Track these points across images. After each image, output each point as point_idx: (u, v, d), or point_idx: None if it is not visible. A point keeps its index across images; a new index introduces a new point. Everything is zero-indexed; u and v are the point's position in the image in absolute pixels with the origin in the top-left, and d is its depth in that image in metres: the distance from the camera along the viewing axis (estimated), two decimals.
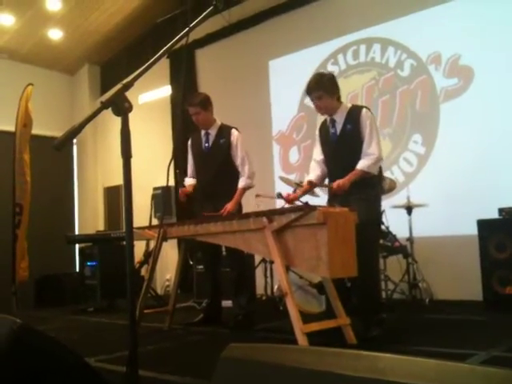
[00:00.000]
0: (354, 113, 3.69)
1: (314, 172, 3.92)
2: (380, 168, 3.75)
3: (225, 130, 4.45)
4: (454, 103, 5.51)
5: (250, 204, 4.77)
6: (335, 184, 3.52)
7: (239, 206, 4.40)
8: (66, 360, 1.63)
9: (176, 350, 3.63)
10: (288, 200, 3.88)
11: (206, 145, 4.47)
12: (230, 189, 4.33)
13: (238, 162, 4.36)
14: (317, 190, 4.83)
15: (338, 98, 3.77)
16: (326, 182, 3.94)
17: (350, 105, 3.82)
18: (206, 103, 4.42)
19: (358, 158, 3.62)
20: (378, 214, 3.80)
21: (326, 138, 3.84)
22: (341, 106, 3.75)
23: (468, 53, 5.44)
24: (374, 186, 3.70)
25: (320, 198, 4.62)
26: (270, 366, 0.90)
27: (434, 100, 5.67)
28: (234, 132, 4.43)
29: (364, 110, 3.68)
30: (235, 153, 4.37)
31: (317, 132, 3.98)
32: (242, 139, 4.42)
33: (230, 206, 4.21)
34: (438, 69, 5.66)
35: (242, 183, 4.32)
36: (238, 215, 3.86)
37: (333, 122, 3.76)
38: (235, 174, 4.38)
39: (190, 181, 4.62)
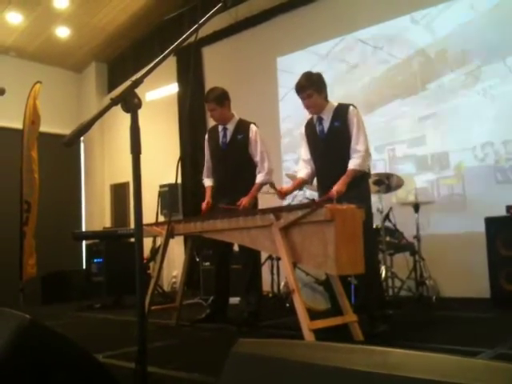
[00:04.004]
0: (341, 110, 3.76)
1: (304, 170, 3.97)
2: (368, 164, 3.81)
3: (243, 126, 4.38)
4: (463, 100, 5.49)
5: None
6: (335, 191, 3.52)
7: (255, 201, 4.36)
8: (75, 356, 1.64)
9: (183, 347, 3.64)
10: (281, 192, 3.87)
11: (224, 140, 4.40)
12: (246, 185, 4.27)
13: (258, 158, 4.29)
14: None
15: (326, 97, 3.83)
16: (314, 181, 4.02)
17: (336, 103, 3.85)
18: (221, 99, 4.33)
19: (345, 154, 3.68)
20: (370, 210, 3.81)
21: (314, 136, 3.89)
22: (328, 105, 3.81)
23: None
24: (363, 183, 3.77)
25: None
26: (280, 362, 0.90)
27: (444, 97, 5.65)
28: (253, 127, 4.36)
29: (351, 107, 3.76)
30: (254, 149, 4.30)
31: (302, 131, 4.01)
32: (260, 134, 4.36)
33: (246, 200, 4.16)
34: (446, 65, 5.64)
35: (260, 178, 4.27)
36: (244, 211, 3.85)
37: (320, 119, 3.82)
38: (252, 170, 4.33)
39: (208, 182, 4.56)
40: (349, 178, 3.60)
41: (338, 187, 3.54)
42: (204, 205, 4.46)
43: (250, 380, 0.94)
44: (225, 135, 4.40)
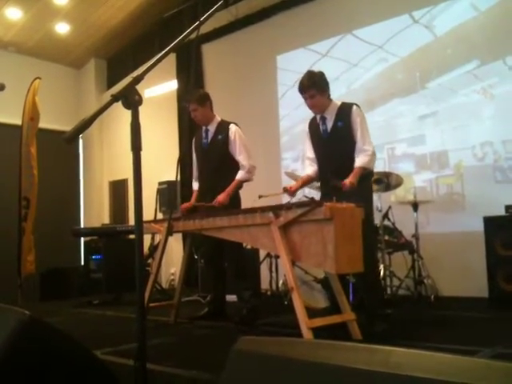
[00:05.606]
0: (345, 110, 3.75)
1: (310, 168, 3.97)
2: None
3: (223, 126, 4.43)
4: (462, 99, 5.49)
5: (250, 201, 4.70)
6: (348, 182, 3.51)
7: (236, 200, 4.38)
8: (74, 352, 1.64)
9: (182, 344, 3.64)
10: (290, 192, 3.86)
11: (205, 141, 4.46)
12: (228, 184, 4.31)
13: (237, 156, 4.34)
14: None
15: (328, 96, 3.83)
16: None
17: (339, 102, 3.84)
18: (202, 99, 4.40)
19: (348, 153, 3.67)
20: (371, 209, 3.81)
21: (317, 135, 3.88)
22: (331, 104, 3.81)
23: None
24: (366, 181, 3.77)
25: None
26: (282, 360, 0.90)
27: (444, 96, 5.66)
28: (232, 127, 4.40)
29: (354, 106, 3.75)
30: (234, 148, 4.34)
31: (306, 129, 4.01)
32: (240, 133, 4.39)
33: (221, 197, 4.20)
34: (445, 64, 5.64)
35: (239, 175, 4.31)
36: (243, 210, 3.85)
37: (323, 119, 3.82)
38: (234, 169, 4.35)
39: (195, 185, 4.64)
40: (358, 175, 3.58)
41: (351, 179, 3.52)
42: (186, 204, 4.54)
43: (252, 378, 0.94)
44: (206, 136, 4.47)
